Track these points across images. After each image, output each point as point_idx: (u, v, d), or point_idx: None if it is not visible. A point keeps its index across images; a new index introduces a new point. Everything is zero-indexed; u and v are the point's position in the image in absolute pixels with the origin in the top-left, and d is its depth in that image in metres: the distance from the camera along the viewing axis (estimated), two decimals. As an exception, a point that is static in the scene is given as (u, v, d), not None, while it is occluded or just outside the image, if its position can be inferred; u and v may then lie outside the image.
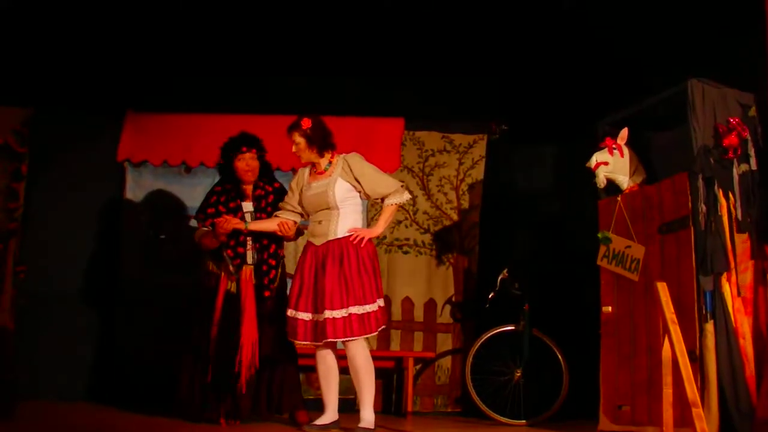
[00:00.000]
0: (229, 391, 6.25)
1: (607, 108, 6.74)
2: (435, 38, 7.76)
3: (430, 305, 8.20)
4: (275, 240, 6.54)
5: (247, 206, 6.56)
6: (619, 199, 6.38)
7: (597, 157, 6.38)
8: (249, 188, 6.62)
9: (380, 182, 6.15)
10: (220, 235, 6.39)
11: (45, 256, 7.86)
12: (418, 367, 8.08)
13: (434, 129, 8.47)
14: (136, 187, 8.28)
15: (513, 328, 7.41)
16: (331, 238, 6.00)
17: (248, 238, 6.48)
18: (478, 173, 8.40)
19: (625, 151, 6.40)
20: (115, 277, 8.15)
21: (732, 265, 5.54)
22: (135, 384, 7.81)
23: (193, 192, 7.95)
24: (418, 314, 8.23)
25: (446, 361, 8.15)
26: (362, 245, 5.98)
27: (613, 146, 6.37)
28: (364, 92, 8.27)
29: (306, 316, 5.96)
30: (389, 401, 8.00)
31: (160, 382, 7.51)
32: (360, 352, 5.92)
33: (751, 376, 5.41)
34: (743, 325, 5.48)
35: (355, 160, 6.17)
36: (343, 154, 6.22)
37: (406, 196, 6.26)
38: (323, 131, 6.16)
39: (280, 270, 6.60)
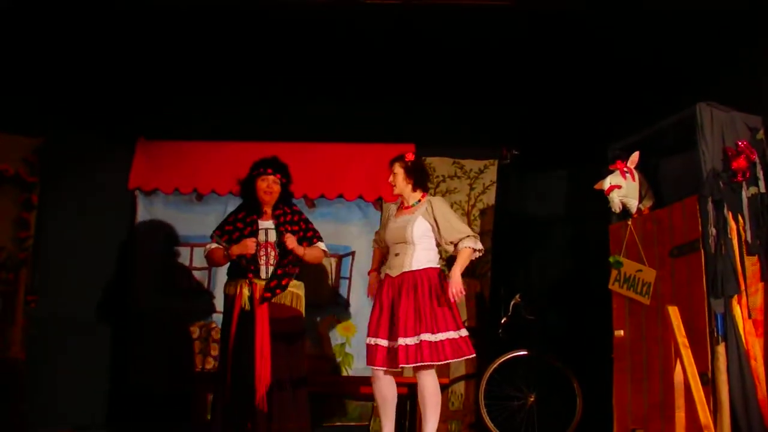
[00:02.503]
0: (250, 410, 6.22)
1: (617, 133, 6.77)
2: (446, 65, 7.78)
3: (444, 331, 8.20)
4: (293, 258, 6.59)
5: (266, 223, 6.57)
6: (629, 223, 6.40)
7: (611, 180, 6.39)
8: (268, 210, 6.65)
9: (456, 227, 6.35)
10: (234, 250, 6.43)
11: (57, 285, 7.83)
12: (432, 392, 8.07)
13: (445, 155, 8.48)
14: (148, 215, 8.30)
15: (526, 352, 7.42)
16: (406, 270, 6.25)
17: (262, 252, 6.50)
18: (490, 198, 8.41)
19: (636, 174, 6.42)
20: (128, 305, 8.14)
21: (742, 287, 5.54)
22: (149, 412, 7.80)
23: (204, 219, 7.95)
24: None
25: (460, 387, 8.13)
26: (459, 296, 6.15)
27: (625, 169, 6.39)
28: (375, 119, 8.29)
29: (384, 342, 6.19)
30: (401, 428, 7.99)
31: (175, 409, 7.54)
32: (430, 383, 6.15)
33: (763, 398, 5.40)
34: (754, 346, 5.48)
35: (439, 203, 6.46)
36: (430, 197, 6.52)
37: (479, 244, 6.39)
38: (423, 170, 6.57)
39: (288, 280, 6.57)
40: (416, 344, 6.03)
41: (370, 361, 6.23)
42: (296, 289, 6.61)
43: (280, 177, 6.62)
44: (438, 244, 6.46)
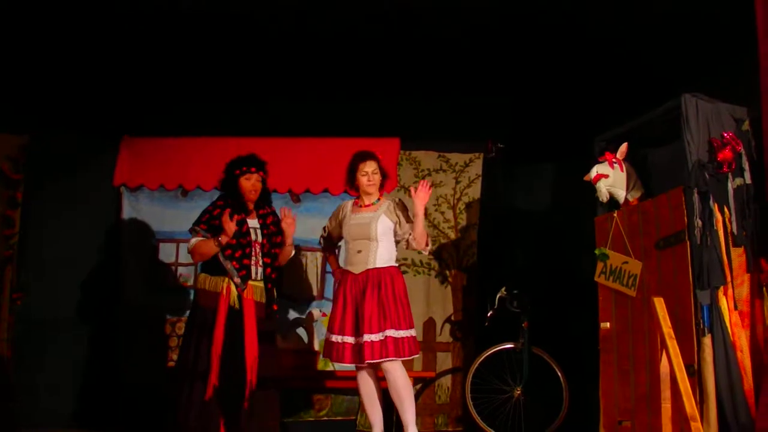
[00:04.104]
0: (234, 409, 6.22)
1: (604, 125, 6.77)
2: (430, 59, 7.76)
3: (430, 324, 8.19)
4: (276, 256, 6.69)
5: (253, 222, 6.59)
6: (615, 215, 6.40)
7: (598, 169, 6.42)
8: (251, 206, 6.64)
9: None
10: (224, 238, 6.38)
11: (43, 282, 7.82)
12: (418, 386, 8.05)
13: (430, 148, 8.48)
14: (133, 212, 8.27)
15: (512, 345, 7.43)
16: (370, 267, 6.41)
17: (254, 252, 6.52)
18: (475, 192, 8.41)
19: (624, 165, 6.43)
20: (114, 302, 8.12)
21: (728, 278, 5.54)
22: (136, 409, 7.77)
23: (189, 215, 7.83)
24: (418, 333, 8.15)
25: (446, 380, 8.13)
26: (425, 189, 6.42)
27: (613, 160, 6.40)
28: (360, 113, 8.29)
29: (351, 339, 6.31)
30: (390, 422, 7.97)
31: (162, 407, 7.50)
32: (399, 374, 6.28)
33: (749, 389, 5.40)
34: (740, 338, 5.48)
35: (401, 202, 6.68)
36: (390, 196, 6.86)
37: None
38: (385, 172, 6.68)
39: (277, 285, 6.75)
40: (381, 340, 6.20)
41: (338, 358, 6.34)
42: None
43: (262, 175, 6.63)
44: (397, 240, 6.62)
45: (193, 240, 6.55)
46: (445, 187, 8.45)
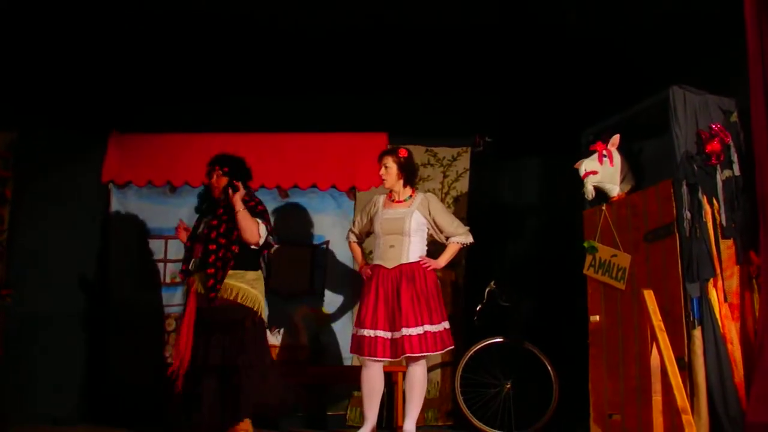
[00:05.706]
0: (193, 401, 6.21)
1: (592, 119, 6.77)
2: (418, 53, 7.75)
3: (419, 319, 8.16)
4: (226, 245, 6.38)
5: (207, 217, 6.61)
6: (604, 208, 6.40)
7: (586, 166, 6.37)
8: (222, 203, 6.59)
9: (452, 222, 6.69)
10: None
11: (32, 279, 7.80)
12: (408, 381, 8.04)
13: (418, 143, 8.44)
14: (121, 208, 8.25)
15: (502, 339, 7.42)
16: (403, 262, 6.44)
17: (193, 246, 6.55)
18: (463, 186, 8.40)
19: (616, 157, 6.39)
20: (104, 298, 8.09)
21: (718, 271, 5.55)
22: (128, 405, 7.76)
23: (177, 212, 7.87)
24: (407, 328, 8.19)
25: (436, 375, 8.11)
26: (429, 269, 6.45)
27: (603, 153, 6.37)
28: (348, 108, 8.27)
29: (384, 334, 6.31)
30: (380, 416, 7.93)
31: (153, 401, 7.49)
32: (420, 372, 6.41)
33: (740, 381, 5.41)
34: (731, 330, 5.49)
35: (434, 199, 6.75)
36: (423, 193, 6.78)
37: (470, 239, 6.74)
38: (414, 166, 6.75)
39: (223, 273, 6.37)
40: (420, 334, 6.23)
41: (370, 352, 6.30)
42: (235, 280, 6.41)
43: (227, 170, 6.58)
44: (431, 236, 6.67)
45: None
46: (432, 182, 8.43)
